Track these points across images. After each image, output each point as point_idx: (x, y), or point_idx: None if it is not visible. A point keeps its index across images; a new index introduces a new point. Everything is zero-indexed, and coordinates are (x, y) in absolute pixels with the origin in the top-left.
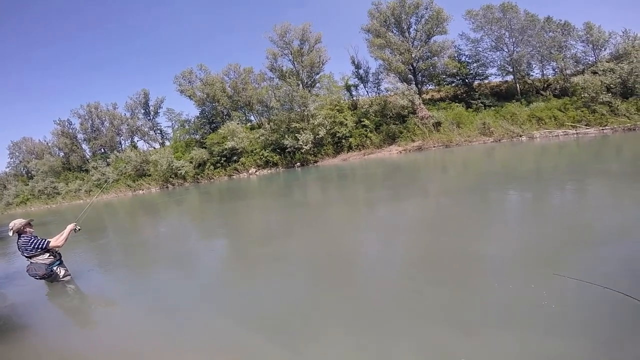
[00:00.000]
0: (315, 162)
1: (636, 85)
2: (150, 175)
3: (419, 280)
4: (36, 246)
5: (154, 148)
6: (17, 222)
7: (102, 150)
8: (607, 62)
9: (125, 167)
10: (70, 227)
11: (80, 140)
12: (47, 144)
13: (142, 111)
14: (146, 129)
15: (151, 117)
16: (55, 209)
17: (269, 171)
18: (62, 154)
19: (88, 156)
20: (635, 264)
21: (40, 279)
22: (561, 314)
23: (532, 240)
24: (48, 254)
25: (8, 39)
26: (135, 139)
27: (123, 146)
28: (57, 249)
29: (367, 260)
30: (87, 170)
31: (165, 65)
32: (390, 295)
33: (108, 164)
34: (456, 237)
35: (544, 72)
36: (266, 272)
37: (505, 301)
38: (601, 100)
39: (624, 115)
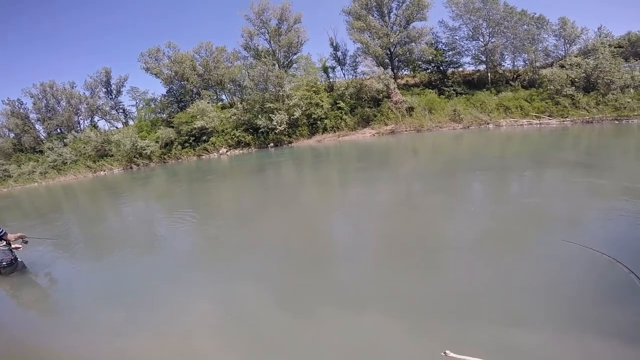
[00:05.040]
0: (290, 142)
1: (598, 81)
2: (112, 155)
3: (388, 262)
4: None
5: (117, 128)
6: None
7: (59, 130)
8: (575, 56)
9: (84, 147)
10: (21, 234)
11: (33, 121)
12: None
13: (104, 90)
14: (107, 109)
15: (113, 96)
16: (7, 193)
17: (241, 151)
18: (12, 135)
19: (43, 137)
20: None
21: (9, 265)
22: (516, 296)
23: (492, 223)
24: (4, 242)
25: None
26: (96, 118)
27: (82, 126)
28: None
29: (338, 244)
30: (41, 152)
31: (130, 43)
32: (362, 279)
33: (65, 145)
34: (421, 219)
35: (515, 63)
36: (238, 256)
37: (469, 286)
38: (565, 93)
39: (584, 108)
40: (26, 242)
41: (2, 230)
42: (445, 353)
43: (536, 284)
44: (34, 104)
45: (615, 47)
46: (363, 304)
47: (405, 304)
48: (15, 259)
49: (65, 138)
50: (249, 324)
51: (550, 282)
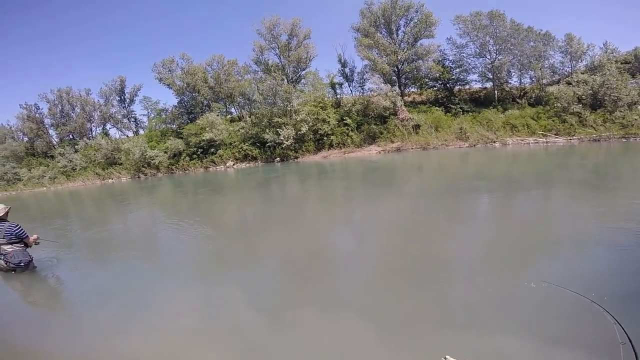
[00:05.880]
0: (296, 158)
1: (605, 98)
2: (121, 164)
3: (390, 277)
4: (21, 234)
5: (127, 136)
6: (2, 207)
7: (71, 136)
8: (582, 73)
9: (94, 154)
10: (35, 236)
11: (47, 126)
12: (11, 128)
13: (117, 98)
14: (120, 117)
15: (126, 104)
16: (15, 196)
17: (248, 165)
18: (26, 139)
19: (55, 142)
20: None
21: (26, 265)
22: (519, 312)
23: (498, 243)
24: (23, 244)
25: None
26: (108, 126)
27: (94, 133)
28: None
29: (336, 257)
30: (52, 157)
31: (145, 54)
32: (360, 291)
33: (76, 151)
34: (427, 236)
35: (522, 81)
36: (235, 263)
37: (473, 298)
38: (572, 111)
39: (591, 126)
40: (38, 244)
41: (26, 234)
42: (445, 358)
43: (527, 303)
44: (50, 109)
45: (622, 63)
46: (361, 314)
47: (403, 314)
48: (32, 259)
49: (77, 144)
50: (242, 331)
51: (541, 304)
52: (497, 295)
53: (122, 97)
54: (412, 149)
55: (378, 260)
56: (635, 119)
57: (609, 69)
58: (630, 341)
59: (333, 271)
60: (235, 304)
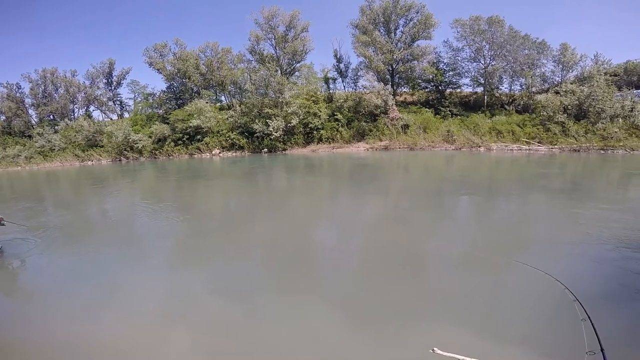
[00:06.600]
0: (284, 149)
1: (590, 109)
2: (102, 146)
3: (373, 267)
4: None
5: (111, 119)
6: None
7: (52, 117)
8: (571, 83)
9: (75, 135)
10: None
11: (27, 105)
12: None
13: (104, 81)
14: (105, 99)
15: (113, 87)
16: None
17: (234, 154)
18: (3, 117)
19: (34, 122)
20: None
21: None
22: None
23: (476, 240)
24: None
25: None
26: (92, 108)
27: (76, 115)
28: None
29: (323, 254)
30: (30, 136)
31: (136, 38)
32: (349, 291)
33: (56, 132)
34: (409, 233)
35: (512, 88)
36: (215, 254)
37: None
38: (556, 120)
39: (573, 136)
40: (3, 225)
41: None
42: (433, 350)
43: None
44: (32, 89)
45: (610, 76)
46: (348, 308)
47: (389, 307)
48: None
49: (57, 125)
50: (215, 316)
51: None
52: (476, 288)
53: (110, 80)
54: (399, 148)
55: (360, 255)
56: (615, 132)
57: (597, 81)
58: (589, 318)
59: (316, 265)
60: (208, 290)
